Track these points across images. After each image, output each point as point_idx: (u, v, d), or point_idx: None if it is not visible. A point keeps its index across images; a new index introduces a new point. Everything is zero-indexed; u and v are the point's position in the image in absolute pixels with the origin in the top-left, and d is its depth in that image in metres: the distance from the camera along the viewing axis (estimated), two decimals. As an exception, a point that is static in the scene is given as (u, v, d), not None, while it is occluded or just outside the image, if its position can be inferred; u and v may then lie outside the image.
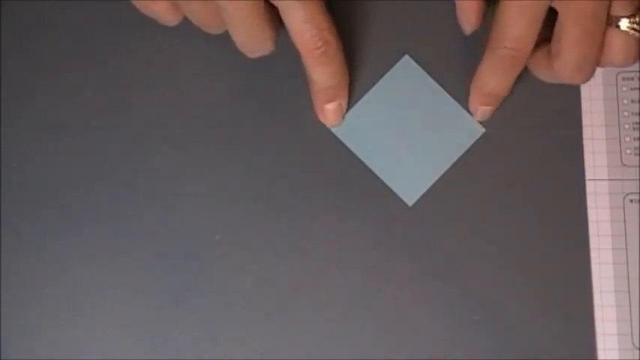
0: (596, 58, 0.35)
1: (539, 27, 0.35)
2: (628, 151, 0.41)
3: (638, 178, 0.40)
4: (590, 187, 0.40)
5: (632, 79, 0.41)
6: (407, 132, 0.41)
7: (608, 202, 0.40)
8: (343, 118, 0.40)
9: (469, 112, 0.41)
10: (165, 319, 0.39)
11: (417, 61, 0.41)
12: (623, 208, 0.40)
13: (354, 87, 0.41)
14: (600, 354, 0.39)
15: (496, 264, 0.40)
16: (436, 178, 0.40)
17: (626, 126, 0.41)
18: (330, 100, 0.39)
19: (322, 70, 0.37)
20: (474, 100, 0.40)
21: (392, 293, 0.39)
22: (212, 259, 0.40)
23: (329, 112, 0.40)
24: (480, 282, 0.39)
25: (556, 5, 0.35)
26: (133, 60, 0.41)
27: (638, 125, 0.41)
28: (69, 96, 0.41)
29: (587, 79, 0.36)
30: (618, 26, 0.35)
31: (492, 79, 0.38)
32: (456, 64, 0.41)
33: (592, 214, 0.40)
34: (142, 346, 0.39)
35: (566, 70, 0.36)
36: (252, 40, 0.35)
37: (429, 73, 0.41)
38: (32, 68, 0.41)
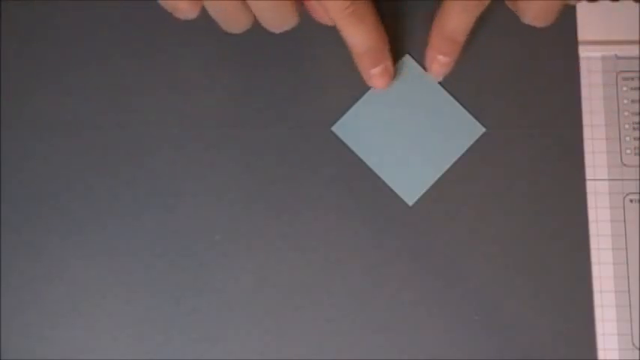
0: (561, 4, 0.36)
1: None
2: (628, 151, 0.41)
3: (638, 178, 0.40)
4: (590, 187, 0.40)
5: (632, 79, 0.41)
6: (407, 132, 0.41)
7: (608, 202, 0.40)
8: (392, 80, 0.40)
9: (469, 111, 0.41)
10: (165, 319, 0.39)
11: (417, 61, 0.41)
12: (623, 208, 0.40)
13: (355, 86, 0.41)
14: (600, 354, 0.39)
15: (496, 264, 0.40)
16: (436, 178, 0.40)
17: (626, 126, 0.41)
18: (374, 65, 0.39)
19: (356, 30, 0.37)
20: (432, 47, 0.39)
21: (392, 293, 0.39)
22: (212, 259, 0.40)
23: (375, 77, 0.39)
24: (480, 282, 0.39)
25: None
26: (133, 60, 0.41)
27: (638, 125, 0.41)
28: (69, 96, 0.41)
29: (548, 24, 0.37)
30: None
31: (455, 17, 0.37)
32: (456, 64, 0.41)
33: (592, 214, 0.40)
34: (142, 346, 0.39)
35: (529, 15, 0.37)
36: (278, 16, 0.36)
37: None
38: (32, 68, 0.41)
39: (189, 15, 0.36)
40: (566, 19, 0.41)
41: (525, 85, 0.41)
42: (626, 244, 0.40)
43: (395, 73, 0.40)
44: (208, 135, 0.41)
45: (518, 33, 0.41)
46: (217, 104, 0.41)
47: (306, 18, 0.38)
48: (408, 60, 0.41)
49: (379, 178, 0.40)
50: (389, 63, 0.39)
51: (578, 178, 0.40)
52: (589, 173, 0.40)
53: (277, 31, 0.37)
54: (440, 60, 0.39)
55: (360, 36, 0.37)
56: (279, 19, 0.36)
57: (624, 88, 0.41)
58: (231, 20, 0.36)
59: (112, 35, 0.42)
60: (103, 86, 0.41)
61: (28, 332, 0.39)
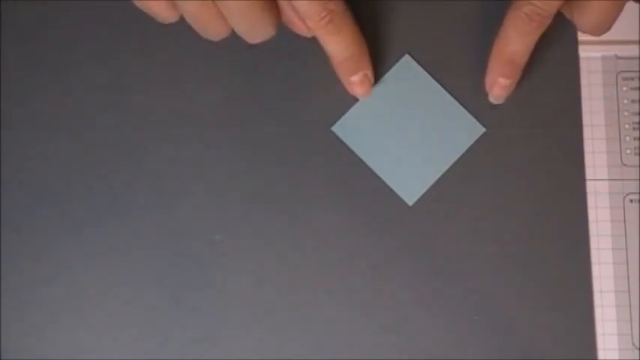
0: (619, 14, 0.36)
1: None
2: (628, 151, 0.41)
3: (638, 178, 0.40)
4: (590, 187, 0.40)
5: (632, 79, 0.41)
6: (407, 132, 0.41)
7: (608, 202, 0.40)
8: (372, 87, 0.40)
9: (469, 111, 0.41)
10: (165, 319, 0.39)
11: (417, 61, 0.41)
12: (623, 208, 0.40)
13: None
14: (600, 354, 0.39)
15: (496, 264, 0.40)
16: (436, 178, 0.40)
17: (626, 126, 0.41)
18: (353, 73, 0.39)
19: (333, 40, 0.37)
20: (493, 70, 0.39)
21: (392, 293, 0.39)
22: (212, 259, 0.40)
23: (355, 84, 0.39)
24: (480, 282, 0.39)
25: None
26: (133, 60, 0.41)
27: (638, 125, 0.41)
28: (69, 96, 0.41)
29: (603, 34, 0.38)
30: None
31: (516, 40, 0.37)
32: (456, 64, 0.41)
33: (592, 214, 0.40)
34: (142, 346, 0.39)
35: (588, 27, 0.37)
36: (254, 27, 0.36)
37: (429, 73, 0.41)
38: (32, 68, 0.41)
39: (169, 20, 0.36)
40: (567, 19, 0.41)
41: (525, 85, 0.41)
42: (626, 244, 0.40)
43: (374, 80, 0.40)
44: (208, 135, 0.41)
45: (518, 33, 0.41)
46: (217, 104, 0.41)
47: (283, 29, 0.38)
48: (408, 60, 0.41)
49: (379, 178, 0.40)
50: (368, 71, 0.39)
51: (578, 178, 0.40)
52: (589, 173, 0.40)
53: (253, 42, 0.37)
54: (500, 83, 0.39)
55: (339, 45, 0.38)
56: (255, 31, 0.36)
57: (624, 88, 0.41)
58: (208, 29, 0.36)
59: (112, 35, 0.42)
60: (103, 86, 0.41)
61: (28, 332, 0.39)
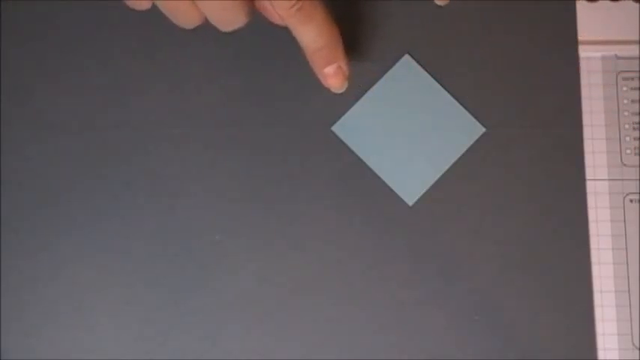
0: None
1: None
2: (628, 151, 0.41)
3: (638, 178, 0.40)
4: (590, 187, 0.40)
5: (632, 79, 0.41)
6: (407, 132, 0.41)
7: (608, 202, 0.40)
8: (347, 81, 0.38)
9: (469, 111, 0.41)
10: (165, 319, 0.39)
11: (417, 61, 0.41)
12: (623, 208, 0.40)
13: (355, 86, 0.41)
14: (600, 354, 0.39)
15: (496, 264, 0.40)
16: (436, 178, 0.40)
17: (626, 126, 0.41)
18: (327, 63, 0.37)
19: (304, 29, 0.36)
20: None
21: (392, 293, 0.39)
22: (212, 259, 0.40)
23: (329, 76, 0.38)
24: (480, 282, 0.39)
25: None
26: (133, 60, 0.42)
27: (638, 125, 0.41)
28: (69, 96, 0.41)
29: None
30: None
31: None
32: (456, 64, 0.41)
33: (592, 214, 0.40)
34: (142, 346, 0.39)
35: None
36: (226, 15, 0.35)
37: (429, 73, 0.41)
38: (32, 68, 0.42)
39: (142, 7, 0.35)
40: (566, 19, 0.41)
41: (525, 85, 0.41)
42: (626, 244, 0.40)
43: (349, 73, 0.38)
44: (208, 135, 0.41)
45: (519, 33, 0.41)
46: (217, 104, 0.41)
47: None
48: (408, 60, 0.41)
49: (379, 178, 0.40)
50: (342, 62, 0.38)
51: (578, 178, 0.40)
52: (589, 173, 0.40)
53: (226, 30, 0.35)
54: None
55: (310, 34, 0.36)
56: (227, 19, 0.35)
57: (624, 88, 0.41)
58: (181, 17, 0.35)
59: (112, 35, 0.42)
60: (103, 86, 0.41)
61: (28, 332, 0.39)
